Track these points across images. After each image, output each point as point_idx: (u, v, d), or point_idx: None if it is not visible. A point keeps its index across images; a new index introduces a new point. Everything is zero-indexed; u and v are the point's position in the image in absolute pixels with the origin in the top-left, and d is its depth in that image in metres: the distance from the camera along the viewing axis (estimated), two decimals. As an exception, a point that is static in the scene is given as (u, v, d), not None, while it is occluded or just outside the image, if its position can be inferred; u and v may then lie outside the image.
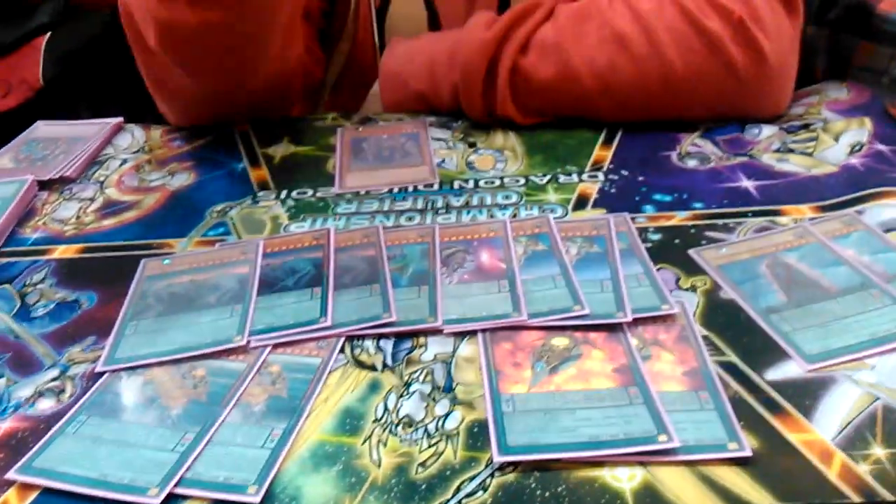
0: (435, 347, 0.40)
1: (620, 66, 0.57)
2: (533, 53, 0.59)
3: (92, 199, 0.59)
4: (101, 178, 0.62)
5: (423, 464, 0.33)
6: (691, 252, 0.46)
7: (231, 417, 0.36)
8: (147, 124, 0.71)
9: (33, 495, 0.33)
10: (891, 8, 0.63)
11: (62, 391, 0.40)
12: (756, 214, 0.49)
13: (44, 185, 0.61)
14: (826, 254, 0.44)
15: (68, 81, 1.09)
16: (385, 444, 0.35)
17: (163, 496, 0.32)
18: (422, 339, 0.41)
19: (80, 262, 0.51)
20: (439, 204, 0.54)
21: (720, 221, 0.49)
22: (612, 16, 0.58)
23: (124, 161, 0.65)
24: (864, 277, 0.42)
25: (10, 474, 0.34)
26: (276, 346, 0.41)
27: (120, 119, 0.70)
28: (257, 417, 0.36)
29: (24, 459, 0.35)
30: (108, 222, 0.56)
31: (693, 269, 0.45)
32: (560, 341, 0.40)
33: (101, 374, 0.40)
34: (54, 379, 0.40)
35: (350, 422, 0.36)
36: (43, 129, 0.71)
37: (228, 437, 0.35)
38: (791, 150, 0.57)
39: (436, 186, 0.56)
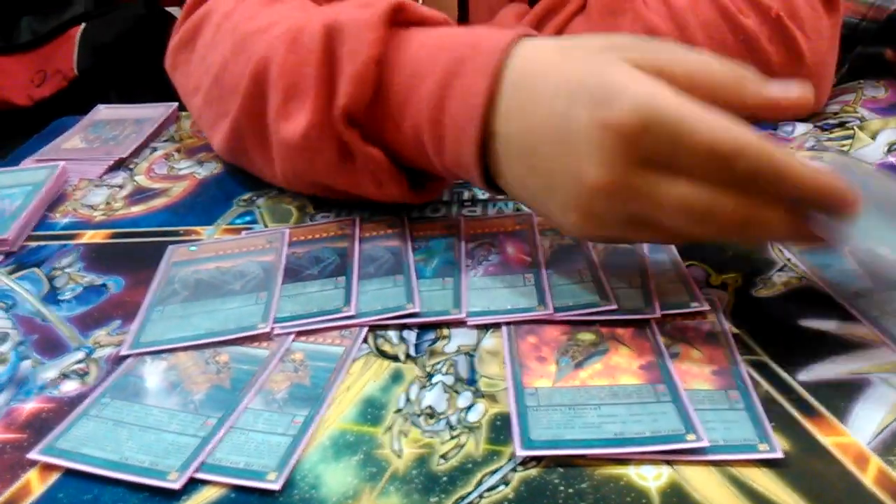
0: (458, 339, 0.40)
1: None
2: None
3: (121, 186, 0.59)
4: (132, 166, 0.62)
5: (444, 455, 0.33)
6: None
7: (253, 403, 0.36)
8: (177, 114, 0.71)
9: (55, 476, 0.34)
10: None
11: (86, 374, 0.40)
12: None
13: (118, 165, 0.63)
14: (863, 254, 0.43)
15: (101, 72, 1.11)
16: (406, 435, 0.34)
17: (183, 480, 0.32)
18: (445, 331, 0.40)
19: (108, 247, 0.51)
20: (465, 196, 0.53)
21: (753, 219, 0.48)
22: (646, 11, 0.57)
23: (154, 149, 0.65)
24: None
25: (33, 454, 0.34)
26: (299, 333, 0.41)
27: (175, 105, 0.71)
28: (279, 404, 0.36)
29: (46, 440, 0.35)
30: (137, 209, 0.56)
31: (723, 265, 0.44)
32: (586, 336, 0.39)
33: (126, 357, 0.40)
34: (79, 361, 0.41)
35: (371, 411, 0.36)
36: (105, 112, 0.73)
37: (250, 423, 0.35)
38: (826, 149, 0.55)
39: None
